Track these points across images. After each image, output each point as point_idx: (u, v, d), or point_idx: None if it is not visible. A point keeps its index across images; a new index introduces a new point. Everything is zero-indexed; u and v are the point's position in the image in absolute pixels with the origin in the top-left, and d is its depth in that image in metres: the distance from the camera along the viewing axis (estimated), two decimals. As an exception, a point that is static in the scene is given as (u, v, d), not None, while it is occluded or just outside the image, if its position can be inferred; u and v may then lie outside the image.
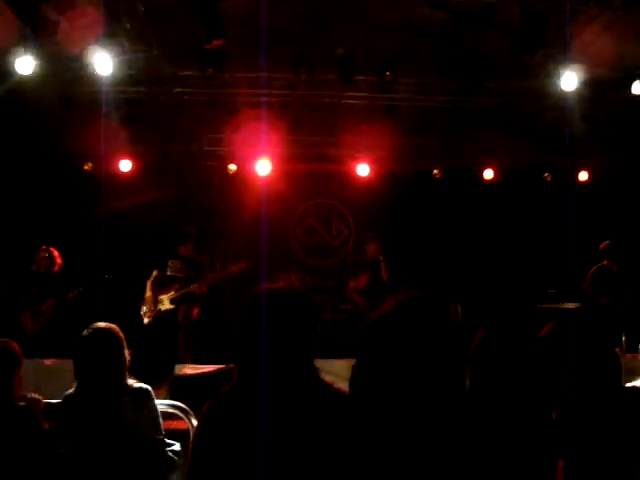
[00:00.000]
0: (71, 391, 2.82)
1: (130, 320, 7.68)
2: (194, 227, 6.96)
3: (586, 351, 1.82)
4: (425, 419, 1.40)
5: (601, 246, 7.07)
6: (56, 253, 6.76)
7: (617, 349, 5.63)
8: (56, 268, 6.69)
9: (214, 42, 5.76)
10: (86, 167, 8.36)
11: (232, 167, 8.43)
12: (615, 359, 1.94)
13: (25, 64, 6.18)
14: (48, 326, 6.51)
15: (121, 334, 2.89)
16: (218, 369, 5.13)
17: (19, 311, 6.54)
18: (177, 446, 3.05)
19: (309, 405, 1.73)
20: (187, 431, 3.48)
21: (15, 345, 2.92)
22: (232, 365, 5.19)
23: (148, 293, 6.67)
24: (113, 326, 2.89)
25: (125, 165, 8.34)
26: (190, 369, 5.29)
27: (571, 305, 7.25)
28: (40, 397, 3.30)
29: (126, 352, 2.89)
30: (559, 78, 6.53)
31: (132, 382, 2.91)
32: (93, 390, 2.73)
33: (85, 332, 2.82)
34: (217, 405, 1.82)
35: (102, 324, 2.88)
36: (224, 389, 1.87)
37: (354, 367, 1.51)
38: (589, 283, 7.02)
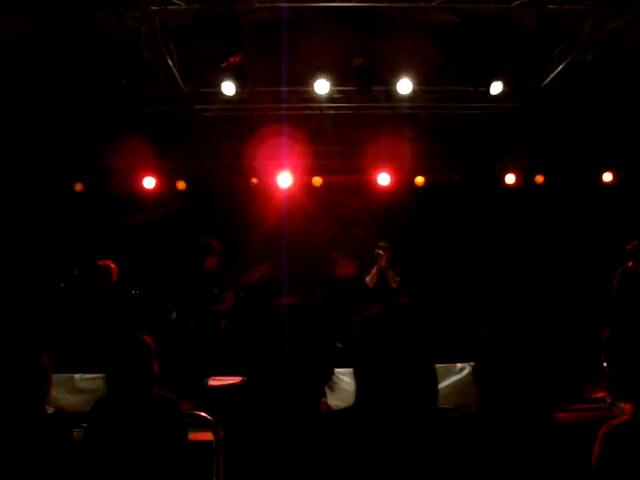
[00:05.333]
0: (101, 399, 2.90)
1: (157, 334, 7.80)
2: (218, 241, 7.01)
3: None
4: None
5: (628, 247, 6.96)
6: (113, 266, 6.79)
7: None
8: (112, 279, 6.71)
9: (231, 59, 5.85)
10: (113, 184, 8.52)
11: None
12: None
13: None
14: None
15: (152, 345, 2.97)
16: (243, 380, 5.15)
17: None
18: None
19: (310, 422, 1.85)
20: (212, 442, 3.51)
21: (46, 360, 3.01)
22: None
23: (175, 313, 6.70)
24: (145, 337, 2.99)
25: (149, 182, 8.48)
26: (215, 380, 5.33)
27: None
28: (68, 409, 3.39)
29: (155, 363, 2.97)
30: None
31: (159, 393, 2.97)
32: (122, 397, 2.80)
33: (118, 340, 2.93)
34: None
35: (135, 334, 2.98)
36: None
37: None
38: (616, 285, 6.91)
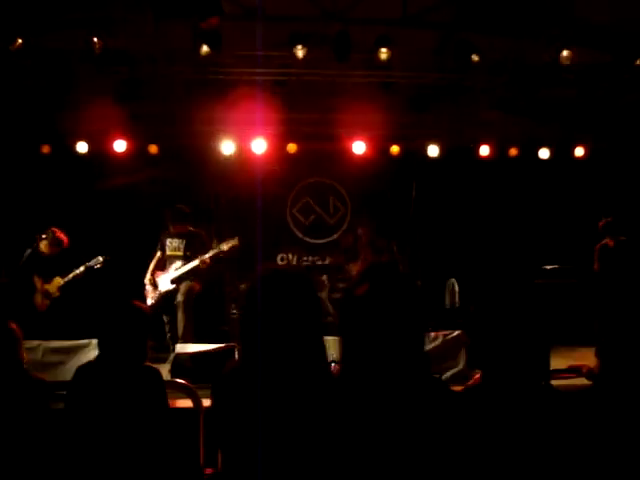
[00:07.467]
0: (85, 364, 2.85)
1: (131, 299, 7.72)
2: (188, 205, 6.91)
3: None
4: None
5: (600, 224, 7.04)
6: (62, 234, 6.69)
7: None
8: (61, 248, 6.61)
9: (210, 20, 5.69)
10: (80, 147, 8.28)
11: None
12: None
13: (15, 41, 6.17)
14: (56, 306, 6.45)
15: (150, 318, 2.94)
16: (219, 348, 5.16)
17: (32, 292, 6.48)
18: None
19: (308, 386, 1.76)
20: (189, 409, 3.51)
21: (14, 325, 2.97)
22: (232, 344, 5.24)
23: (149, 275, 6.66)
24: (146, 307, 2.96)
25: (120, 145, 8.27)
26: (191, 348, 5.31)
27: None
28: (44, 378, 3.34)
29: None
30: (557, 54, 6.52)
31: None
32: (110, 365, 2.74)
33: (119, 307, 2.86)
34: (221, 387, 1.86)
35: (136, 303, 2.93)
36: (226, 369, 1.90)
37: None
38: (596, 261, 7.00)
